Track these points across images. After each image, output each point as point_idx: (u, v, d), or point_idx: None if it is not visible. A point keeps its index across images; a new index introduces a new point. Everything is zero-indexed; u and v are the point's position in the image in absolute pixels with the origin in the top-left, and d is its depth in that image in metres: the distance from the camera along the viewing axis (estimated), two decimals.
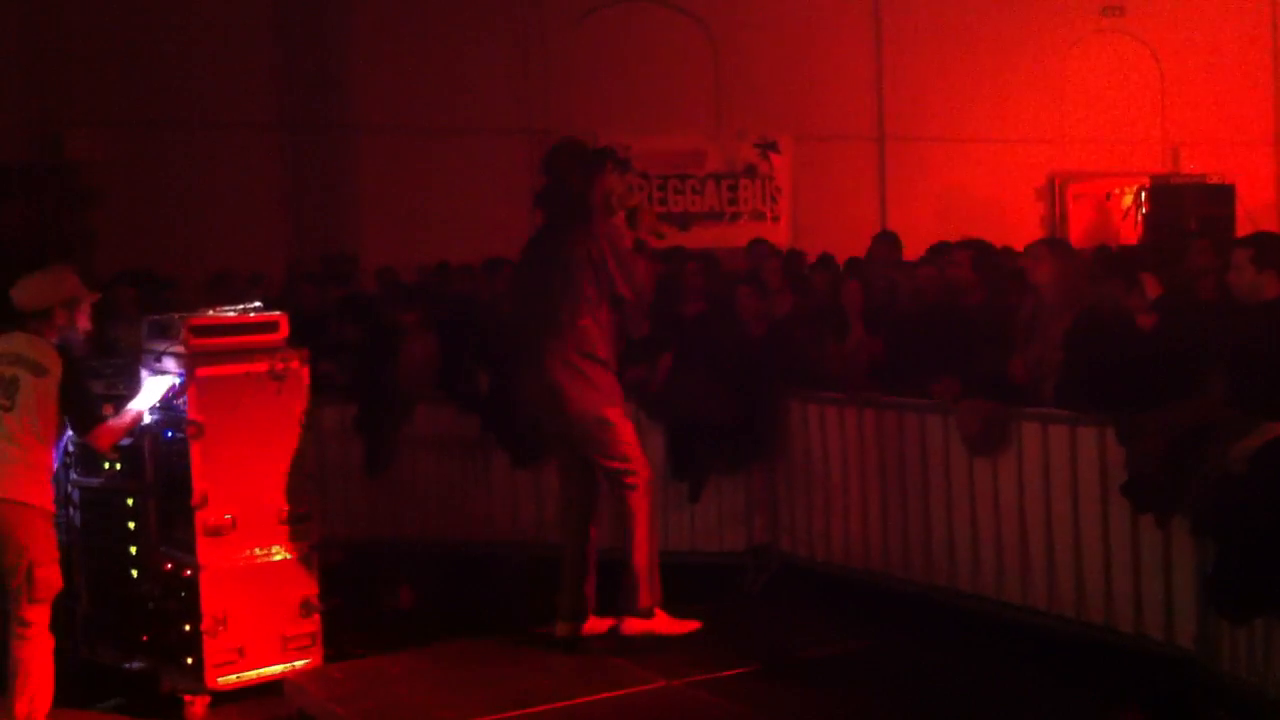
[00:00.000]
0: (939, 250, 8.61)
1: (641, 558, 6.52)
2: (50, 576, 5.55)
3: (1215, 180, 17.17)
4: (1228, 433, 4.73)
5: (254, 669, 6.20)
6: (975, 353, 6.95)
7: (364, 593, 7.81)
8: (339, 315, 9.36)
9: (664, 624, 6.59)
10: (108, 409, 6.32)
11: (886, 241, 9.60)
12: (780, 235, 15.80)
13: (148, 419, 6.19)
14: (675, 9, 16.17)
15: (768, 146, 16.34)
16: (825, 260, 10.27)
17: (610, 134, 14.85)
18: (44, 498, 5.58)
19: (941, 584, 7.03)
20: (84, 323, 5.85)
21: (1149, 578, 5.99)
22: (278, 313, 6.46)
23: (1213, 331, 6.03)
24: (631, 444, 6.58)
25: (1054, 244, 7.88)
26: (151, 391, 6.14)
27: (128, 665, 6.49)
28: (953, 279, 7.73)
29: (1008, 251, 9.28)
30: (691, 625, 6.64)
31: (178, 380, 6.11)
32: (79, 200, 13.18)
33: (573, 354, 6.44)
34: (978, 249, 8.14)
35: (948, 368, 6.92)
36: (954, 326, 7.30)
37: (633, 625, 6.55)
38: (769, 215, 16.32)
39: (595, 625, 6.67)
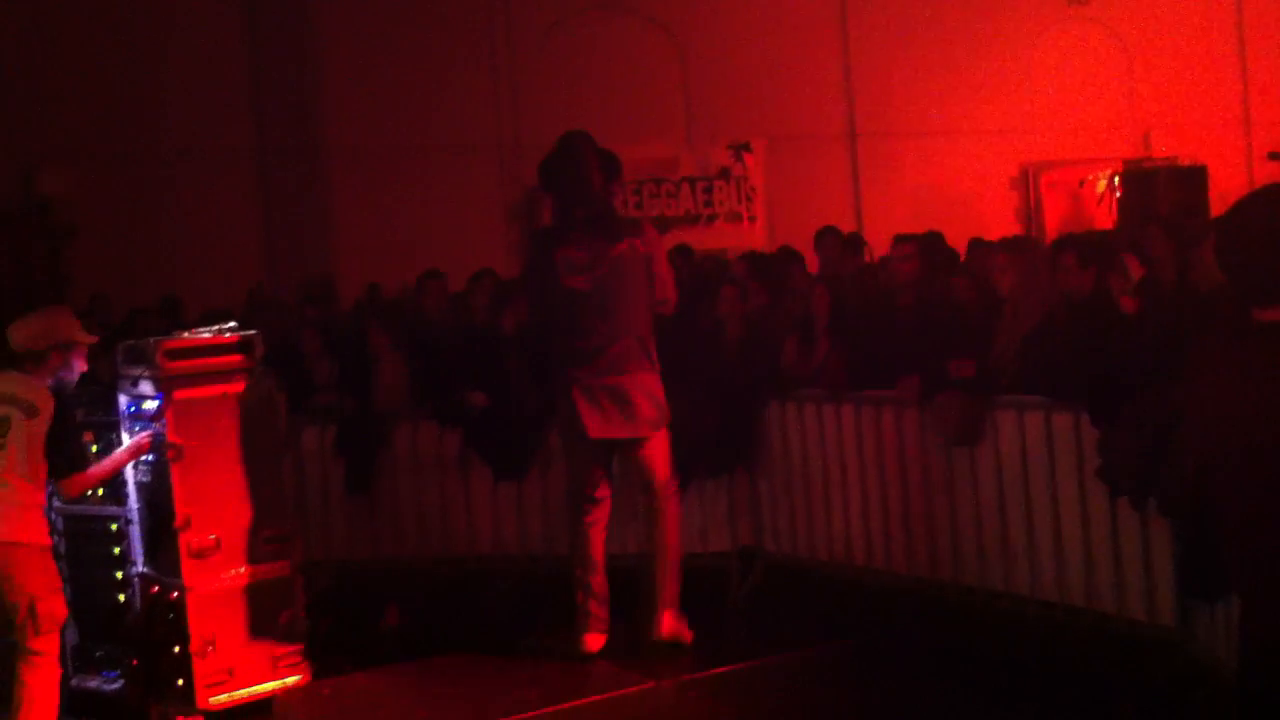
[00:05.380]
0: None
1: (679, 564, 6.72)
2: (53, 608, 5.57)
3: (1187, 163, 17.27)
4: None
5: (244, 688, 6.19)
6: (937, 349, 6.97)
7: (351, 612, 7.82)
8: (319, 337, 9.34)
9: (686, 627, 6.70)
10: (87, 436, 6.34)
11: (835, 239, 9.62)
12: (756, 236, 15.89)
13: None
14: (642, 17, 16.23)
15: (741, 148, 16.40)
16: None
17: None
18: (39, 534, 5.59)
19: (925, 576, 7.07)
20: (80, 365, 5.86)
21: (1129, 560, 6.03)
22: (253, 332, 6.46)
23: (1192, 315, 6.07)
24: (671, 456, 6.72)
25: (1014, 244, 7.90)
26: (130, 449, 6.16)
27: (118, 690, 6.50)
28: (900, 273, 7.76)
29: (978, 243, 9.33)
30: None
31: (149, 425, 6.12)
32: (53, 236, 13.16)
33: (644, 361, 6.51)
34: (917, 240, 8.14)
35: (913, 366, 6.96)
36: (917, 324, 7.34)
37: (672, 623, 6.64)
38: (745, 216, 16.38)
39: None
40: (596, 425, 6.54)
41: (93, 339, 5.98)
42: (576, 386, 6.54)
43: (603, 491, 6.71)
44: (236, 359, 6.28)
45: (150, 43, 13.76)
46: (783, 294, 8.67)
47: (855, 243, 9.66)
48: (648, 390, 6.56)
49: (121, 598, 6.46)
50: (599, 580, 6.65)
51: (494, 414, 8.25)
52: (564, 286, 6.54)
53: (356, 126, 14.52)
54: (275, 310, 10.21)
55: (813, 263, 9.69)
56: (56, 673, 5.61)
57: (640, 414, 6.54)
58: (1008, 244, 7.82)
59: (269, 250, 14.25)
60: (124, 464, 6.18)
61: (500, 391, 8.27)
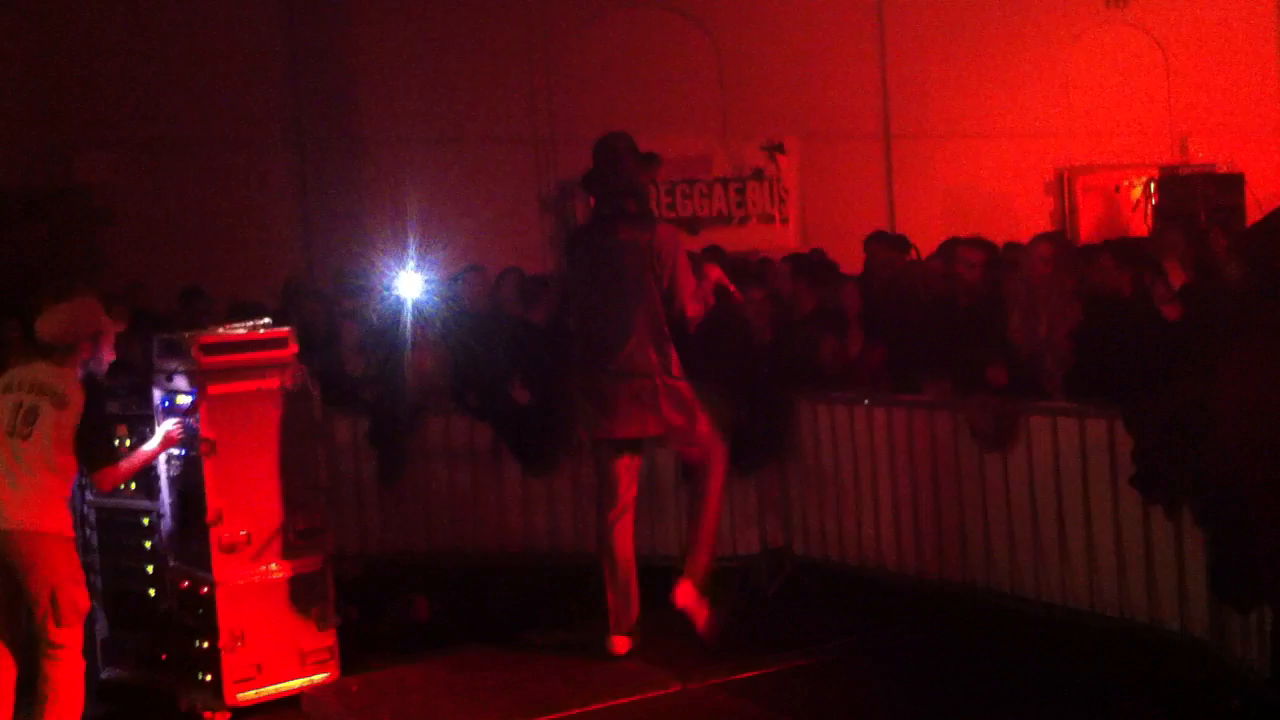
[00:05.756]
0: (949, 246, 8.58)
1: (715, 526, 6.69)
2: (76, 598, 5.56)
3: (1225, 169, 17.12)
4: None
5: (272, 684, 6.23)
6: (971, 351, 6.95)
7: (380, 605, 7.83)
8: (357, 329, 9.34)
9: (707, 610, 6.63)
10: (121, 429, 6.37)
11: (884, 241, 9.60)
12: (789, 237, 15.85)
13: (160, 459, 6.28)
14: (678, 13, 16.20)
15: (774, 148, 16.37)
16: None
17: None
18: (62, 524, 5.60)
19: (956, 580, 7.04)
20: (108, 355, 5.88)
21: (1162, 568, 5.99)
22: (286, 328, 6.48)
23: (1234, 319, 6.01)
24: (711, 421, 6.62)
25: (1052, 238, 7.85)
26: (161, 440, 6.18)
27: (147, 684, 6.53)
28: (961, 278, 7.70)
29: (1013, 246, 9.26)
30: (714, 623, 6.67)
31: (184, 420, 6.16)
32: (89, 222, 13.26)
33: (655, 358, 6.45)
34: (988, 249, 8.08)
35: (945, 367, 6.92)
36: (952, 325, 7.30)
37: (687, 595, 6.57)
38: (777, 217, 16.34)
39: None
40: (596, 427, 6.55)
41: (120, 326, 6.00)
42: (581, 386, 6.56)
43: (625, 489, 6.66)
44: (271, 354, 6.31)
45: (190, 29, 13.80)
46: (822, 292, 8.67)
47: (902, 243, 9.63)
48: (656, 392, 6.46)
49: (152, 591, 6.50)
50: (625, 580, 6.62)
51: (525, 408, 8.26)
52: (575, 285, 6.56)
53: (394, 117, 14.54)
54: (313, 300, 10.21)
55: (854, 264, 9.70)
56: (80, 666, 5.61)
57: (645, 414, 6.47)
58: (1048, 236, 7.74)
59: (306, 239, 14.28)
60: (155, 457, 6.20)
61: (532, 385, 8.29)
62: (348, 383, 8.71)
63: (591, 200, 6.78)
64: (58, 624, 5.50)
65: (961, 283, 7.68)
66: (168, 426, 6.15)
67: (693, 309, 6.59)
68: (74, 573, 5.62)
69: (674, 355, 6.53)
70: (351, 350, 8.88)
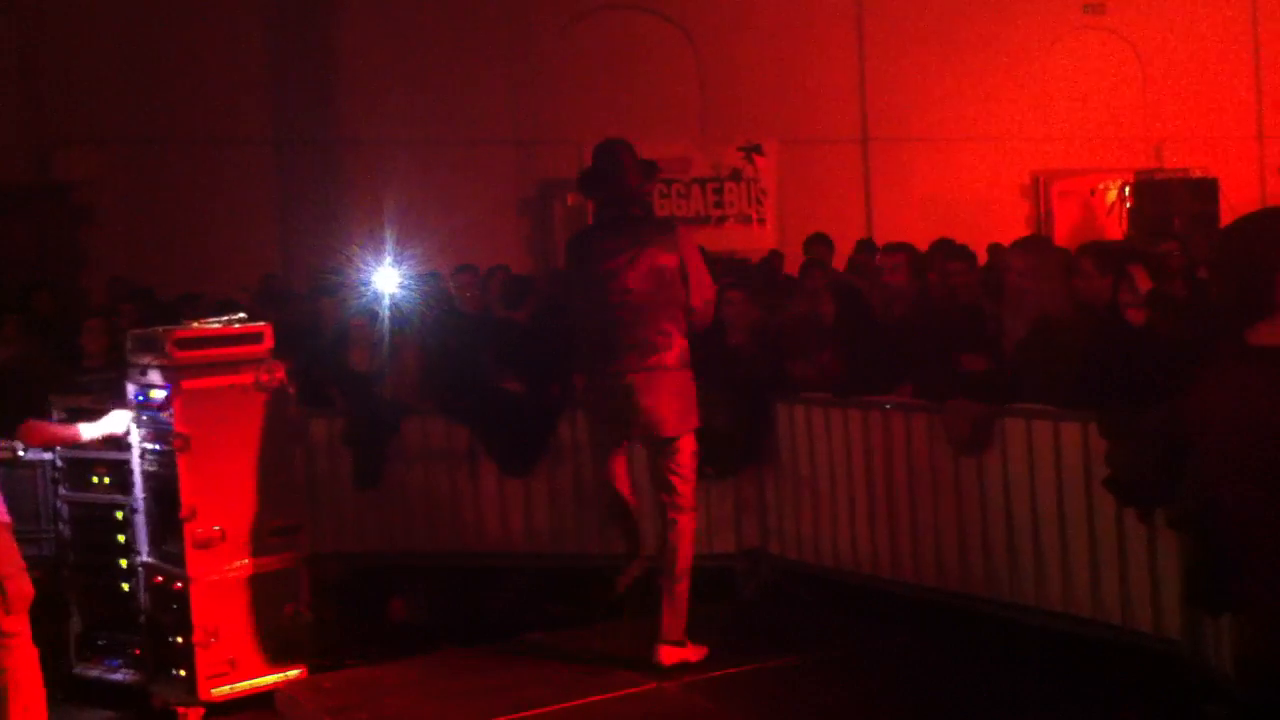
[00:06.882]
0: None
1: (687, 585, 6.39)
2: (22, 587, 5.50)
3: (1199, 175, 17.26)
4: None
5: (246, 680, 6.20)
6: (937, 355, 6.99)
7: (357, 605, 7.81)
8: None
9: (693, 652, 6.42)
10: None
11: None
12: (766, 238, 15.89)
13: (134, 435, 6.24)
14: (659, 16, 16.24)
15: (752, 150, 16.41)
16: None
17: (597, 141, 14.87)
18: (1, 510, 5.55)
19: (931, 584, 7.05)
20: None
21: (1135, 571, 6.01)
22: (262, 324, 6.45)
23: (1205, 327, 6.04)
24: (694, 467, 6.45)
25: (1028, 245, 7.87)
26: (107, 424, 6.17)
27: (120, 679, 6.50)
28: (888, 285, 7.79)
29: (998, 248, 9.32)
30: (703, 650, 6.47)
31: (140, 407, 6.13)
32: (69, 218, 13.24)
33: (670, 361, 6.34)
34: (907, 249, 8.16)
35: (907, 374, 6.98)
36: (913, 332, 7.36)
37: (673, 654, 6.36)
38: (755, 218, 16.38)
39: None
40: (615, 427, 6.52)
41: None
42: (591, 381, 6.53)
43: (618, 461, 6.59)
44: (247, 350, 6.27)
45: (172, 29, 13.81)
46: (791, 297, 8.69)
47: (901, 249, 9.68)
48: (662, 390, 6.39)
49: (126, 587, 6.46)
50: (629, 513, 6.58)
51: (509, 409, 8.25)
52: (579, 287, 6.53)
53: (375, 118, 14.54)
54: (287, 301, 10.19)
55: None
56: (33, 653, 5.55)
57: (648, 414, 6.40)
58: (1023, 245, 7.75)
59: (284, 238, 14.26)
60: (89, 438, 6.19)
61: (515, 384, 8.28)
62: (354, 380, 8.65)
63: (570, 199, 6.76)
64: (8, 612, 5.44)
65: (890, 289, 7.74)
66: (117, 415, 6.13)
67: (711, 306, 6.58)
68: (17, 560, 5.53)
69: (686, 350, 6.44)
70: (360, 347, 8.82)
